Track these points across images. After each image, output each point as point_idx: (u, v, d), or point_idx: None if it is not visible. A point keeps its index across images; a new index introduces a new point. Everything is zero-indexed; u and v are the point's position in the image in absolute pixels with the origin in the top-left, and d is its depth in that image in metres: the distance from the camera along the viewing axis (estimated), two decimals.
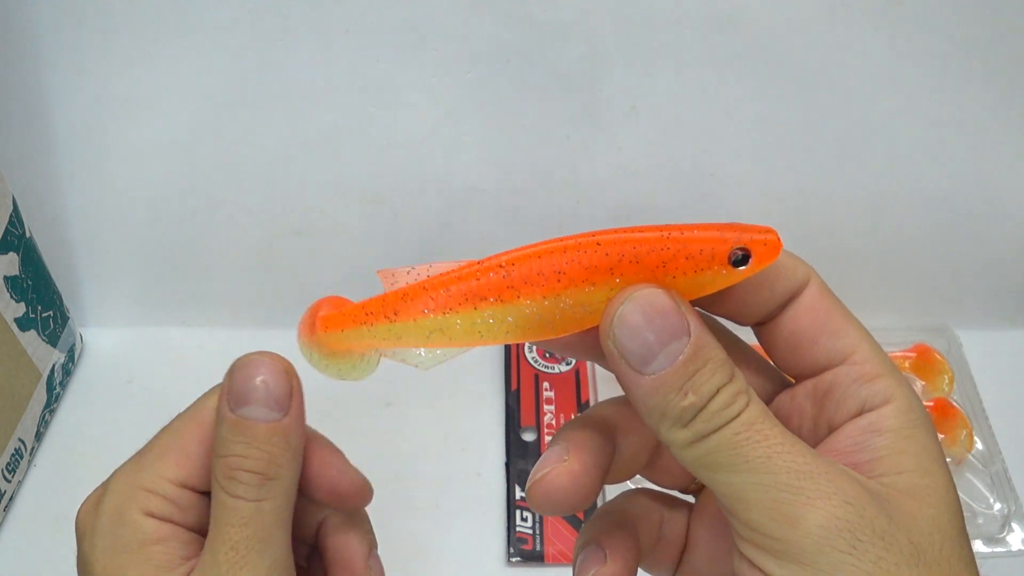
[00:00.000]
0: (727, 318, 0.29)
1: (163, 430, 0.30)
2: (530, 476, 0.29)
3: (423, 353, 0.28)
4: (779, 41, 0.48)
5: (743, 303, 0.28)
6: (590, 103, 0.50)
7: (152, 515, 0.29)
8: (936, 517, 0.24)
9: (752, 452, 0.24)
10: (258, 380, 0.28)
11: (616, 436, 0.29)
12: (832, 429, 0.27)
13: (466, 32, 0.48)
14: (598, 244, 0.26)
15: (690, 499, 0.32)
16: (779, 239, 0.26)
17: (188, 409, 0.30)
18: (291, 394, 0.28)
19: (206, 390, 0.35)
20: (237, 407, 0.28)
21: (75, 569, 0.31)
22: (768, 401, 0.29)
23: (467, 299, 0.26)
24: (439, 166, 0.53)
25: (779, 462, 0.24)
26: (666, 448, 0.28)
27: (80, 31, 0.48)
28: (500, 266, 0.26)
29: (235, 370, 0.28)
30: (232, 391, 0.28)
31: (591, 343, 0.27)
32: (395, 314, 0.27)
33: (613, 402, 0.30)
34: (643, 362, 0.25)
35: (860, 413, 0.26)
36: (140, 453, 0.30)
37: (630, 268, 0.25)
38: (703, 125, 0.51)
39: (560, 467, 0.28)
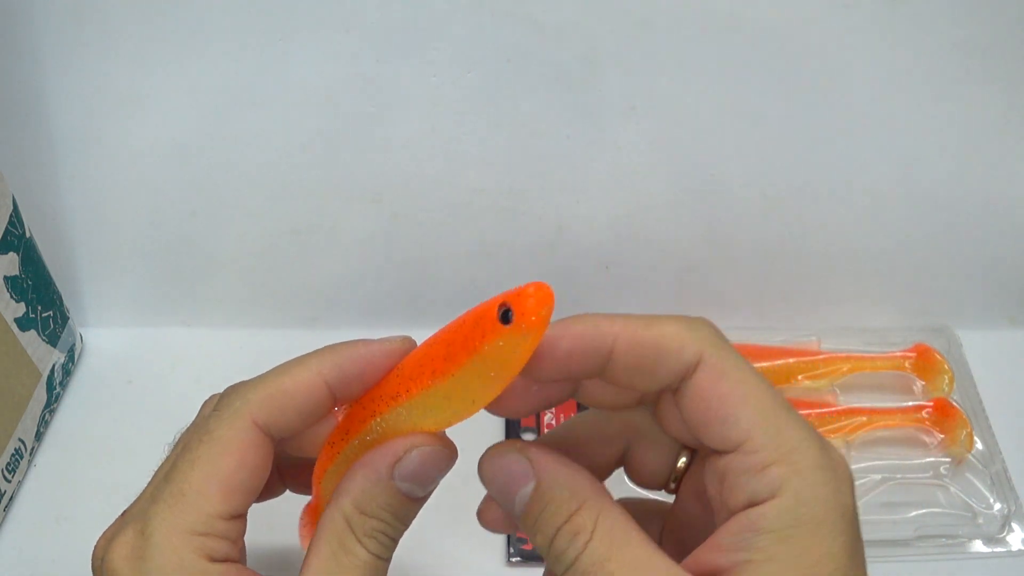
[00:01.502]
0: (607, 407, 0.30)
1: (187, 461, 0.29)
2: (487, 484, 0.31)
3: None
4: (779, 41, 0.48)
5: (619, 389, 0.28)
6: (590, 103, 0.50)
7: (213, 558, 0.28)
8: None
9: None
10: (433, 469, 0.30)
11: (579, 451, 0.30)
12: (729, 513, 0.26)
13: (466, 32, 0.48)
14: (399, 368, 0.29)
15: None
16: (546, 292, 0.25)
17: (211, 435, 0.29)
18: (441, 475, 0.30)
19: (206, 394, 0.35)
20: (402, 480, 0.29)
21: (75, 569, 0.31)
22: (687, 467, 0.30)
23: (390, 403, 0.29)
24: (439, 166, 0.53)
25: None
26: (638, 452, 0.31)
27: (80, 31, 0.48)
28: (396, 370, 0.30)
29: (419, 451, 0.29)
30: (405, 468, 0.29)
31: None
32: (347, 433, 0.31)
33: (578, 419, 0.32)
34: (508, 506, 0.28)
35: (748, 505, 0.26)
36: (172, 493, 0.29)
37: (426, 367, 0.28)
38: (703, 125, 0.51)
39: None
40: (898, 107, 0.51)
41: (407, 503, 0.30)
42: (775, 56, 0.49)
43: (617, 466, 0.32)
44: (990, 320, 0.60)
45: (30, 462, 0.52)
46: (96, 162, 0.53)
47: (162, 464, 0.32)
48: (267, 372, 0.30)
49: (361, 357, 0.30)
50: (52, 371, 0.53)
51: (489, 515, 0.32)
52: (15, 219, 0.49)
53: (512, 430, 0.54)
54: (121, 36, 0.48)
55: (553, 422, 0.54)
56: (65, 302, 0.55)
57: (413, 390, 0.29)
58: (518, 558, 0.49)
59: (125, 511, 0.31)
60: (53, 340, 0.53)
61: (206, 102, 0.50)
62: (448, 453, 0.30)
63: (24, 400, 0.50)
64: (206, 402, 0.35)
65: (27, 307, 0.50)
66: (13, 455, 0.49)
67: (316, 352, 0.30)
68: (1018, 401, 0.56)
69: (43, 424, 0.53)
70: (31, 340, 0.51)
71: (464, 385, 0.27)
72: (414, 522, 0.51)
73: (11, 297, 0.48)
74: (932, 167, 0.53)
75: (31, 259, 0.51)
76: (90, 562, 0.30)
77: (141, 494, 0.31)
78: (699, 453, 0.30)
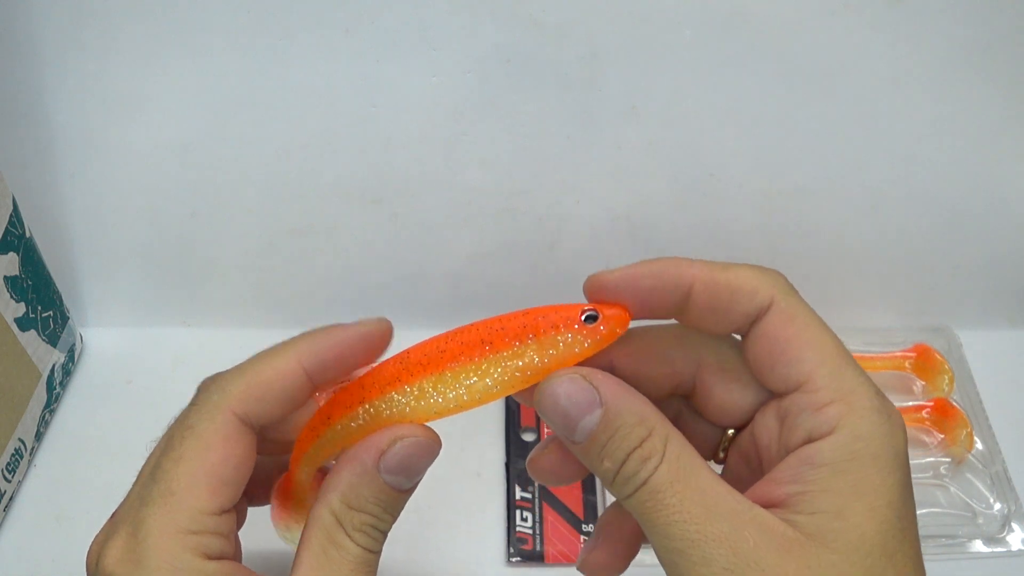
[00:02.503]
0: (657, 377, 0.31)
1: (172, 459, 0.29)
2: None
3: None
4: (779, 41, 0.48)
5: (699, 324, 0.29)
6: (590, 103, 0.50)
7: (208, 556, 0.28)
8: (835, 564, 0.25)
9: (655, 519, 0.26)
10: (418, 460, 0.30)
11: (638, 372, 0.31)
12: (787, 453, 0.28)
13: (466, 32, 0.48)
14: (472, 326, 0.30)
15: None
16: (628, 316, 0.29)
17: (193, 431, 0.29)
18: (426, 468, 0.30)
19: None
20: (388, 473, 0.29)
21: (75, 568, 0.31)
22: (752, 411, 0.30)
23: (384, 389, 0.30)
24: (439, 166, 0.53)
25: (673, 530, 0.26)
26: (708, 383, 0.31)
27: (80, 31, 0.48)
28: (399, 358, 0.30)
29: (403, 443, 0.29)
30: (390, 460, 0.29)
31: None
32: (329, 418, 0.31)
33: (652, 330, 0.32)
34: (570, 434, 0.28)
35: (806, 442, 0.27)
36: (161, 492, 0.29)
37: (498, 336, 0.29)
38: (703, 125, 0.51)
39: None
40: (898, 107, 0.51)
41: (394, 496, 0.30)
42: (775, 56, 0.49)
43: (668, 397, 0.32)
44: (990, 320, 0.60)
45: (30, 462, 0.52)
46: (96, 162, 0.53)
47: (147, 461, 0.32)
48: (245, 362, 0.31)
49: (339, 342, 0.30)
50: (52, 371, 0.53)
51: (543, 462, 0.32)
52: (15, 219, 0.49)
53: (512, 429, 0.54)
54: (121, 36, 0.48)
55: None
56: (65, 302, 0.55)
57: (419, 374, 0.29)
58: (518, 558, 0.49)
59: (114, 513, 0.31)
60: (53, 340, 0.53)
61: (206, 102, 0.50)
62: (432, 443, 0.30)
63: (24, 400, 0.50)
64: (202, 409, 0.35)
65: (27, 307, 0.50)
66: (13, 455, 0.49)
67: (293, 339, 0.31)
68: (1018, 401, 0.56)
69: (43, 424, 0.53)
70: (31, 340, 0.51)
71: (501, 367, 0.29)
72: (416, 522, 0.51)
73: (11, 297, 0.48)
74: (932, 167, 0.53)
75: (31, 259, 0.51)
76: (85, 566, 0.30)
77: (128, 495, 0.31)
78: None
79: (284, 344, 0.31)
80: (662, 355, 0.31)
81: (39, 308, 0.51)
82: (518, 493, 0.51)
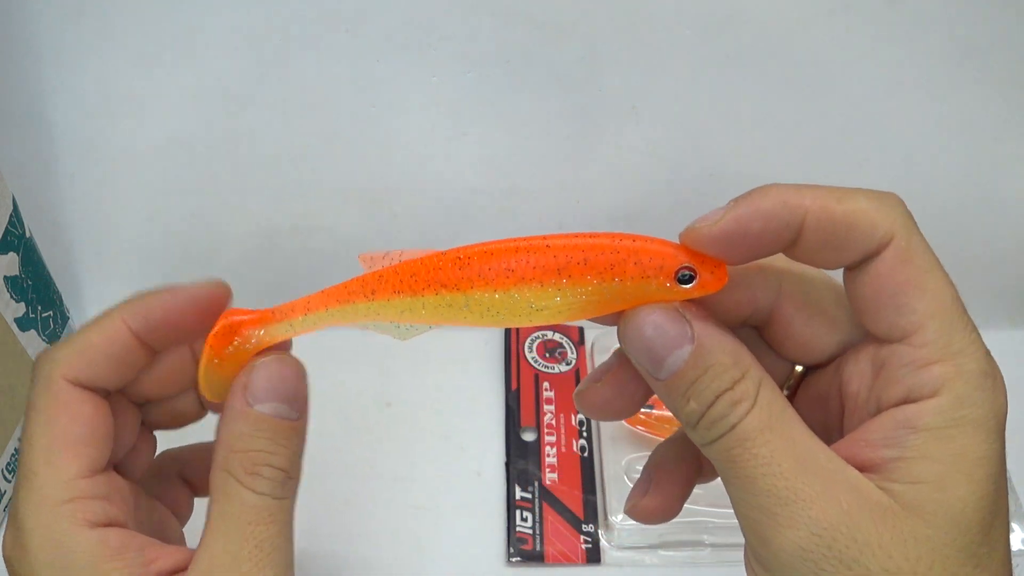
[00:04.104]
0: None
1: (27, 444, 0.28)
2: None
3: (399, 327, 0.30)
4: (779, 41, 0.48)
5: (808, 259, 0.27)
6: (590, 103, 0.50)
7: (95, 523, 0.27)
8: (932, 538, 0.23)
9: (740, 469, 0.24)
10: (282, 381, 0.28)
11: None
12: (879, 408, 0.25)
13: (466, 32, 0.48)
14: (548, 247, 0.27)
15: None
16: (727, 273, 0.26)
17: (34, 409, 0.29)
18: (306, 398, 0.29)
19: None
20: (258, 403, 0.27)
21: None
22: (835, 351, 0.28)
23: (430, 285, 0.28)
24: (439, 166, 0.53)
25: (761, 484, 0.24)
26: (788, 315, 0.28)
27: (80, 31, 0.48)
28: (458, 259, 0.28)
29: (258, 368, 0.28)
30: (254, 387, 0.28)
31: None
32: (372, 293, 0.29)
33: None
34: (653, 369, 0.26)
35: (904, 401, 0.25)
36: (24, 476, 0.28)
37: (577, 270, 0.27)
38: (703, 125, 0.51)
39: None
40: (898, 107, 0.51)
41: (281, 426, 0.28)
42: (775, 56, 0.49)
43: (740, 325, 0.29)
44: (990, 320, 0.59)
45: None
46: (96, 162, 0.53)
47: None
48: (76, 331, 0.30)
49: (164, 303, 0.29)
50: None
51: (594, 396, 0.30)
52: (15, 219, 0.49)
53: (512, 429, 0.54)
54: (121, 36, 0.48)
55: (553, 422, 0.54)
56: (65, 302, 0.55)
57: (479, 285, 0.28)
58: (518, 558, 0.49)
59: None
60: (53, 340, 0.53)
61: (206, 102, 0.50)
62: (292, 361, 0.28)
63: (24, 400, 0.50)
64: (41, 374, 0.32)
65: (27, 307, 0.50)
66: (13, 455, 0.49)
67: (121, 303, 0.30)
68: (1019, 401, 0.56)
69: None
70: (31, 340, 0.51)
71: (577, 299, 0.27)
72: (416, 522, 0.51)
73: (11, 297, 0.48)
74: (932, 167, 0.53)
75: (31, 259, 0.51)
76: None
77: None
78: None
79: (112, 308, 0.30)
80: (741, 280, 0.28)
81: (39, 308, 0.51)
82: (518, 493, 0.51)
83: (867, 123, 0.52)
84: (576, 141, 0.52)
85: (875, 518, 0.23)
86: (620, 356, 0.29)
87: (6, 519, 0.30)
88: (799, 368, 0.29)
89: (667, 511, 0.31)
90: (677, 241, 0.27)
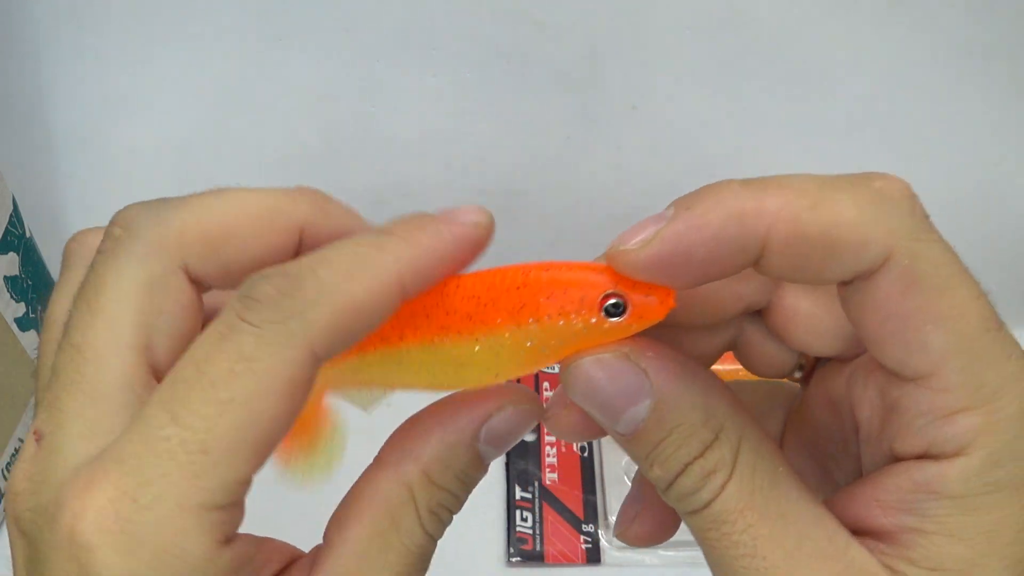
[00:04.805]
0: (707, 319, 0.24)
1: (213, 401, 0.19)
2: None
3: (359, 394, 0.25)
4: (779, 41, 0.48)
5: (780, 278, 0.22)
6: (590, 103, 0.50)
7: (227, 539, 0.20)
8: None
9: (716, 552, 0.20)
10: (512, 435, 0.23)
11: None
12: (891, 458, 0.21)
13: (466, 32, 0.48)
14: (457, 287, 0.22)
15: None
16: (671, 300, 0.21)
17: (251, 369, 0.19)
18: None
19: None
20: (487, 444, 0.23)
21: None
22: (851, 346, 0.23)
23: (370, 339, 0.22)
24: (439, 166, 0.53)
25: (742, 575, 0.20)
26: (791, 304, 0.23)
27: (80, 31, 0.48)
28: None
29: (516, 411, 0.23)
30: (495, 428, 0.22)
31: None
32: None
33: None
34: (611, 423, 0.21)
35: (924, 456, 0.20)
36: (188, 447, 0.19)
37: (487, 312, 0.22)
38: (703, 125, 0.51)
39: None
40: (898, 107, 0.51)
41: (480, 472, 0.23)
42: (775, 56, 0.49)
43: (726, 350, 0.25)
44: None
45: None
46: (96, 162, 0.53)
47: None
48: (324, 267, 0.20)
49: (444, 250, 0.21)
50: None
51: (565, 421, 0.24)
52: (15, 219, 0.49)
53: None
54: (121, 36, 0.48)
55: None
56: None
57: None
58: (518, 558, 0.49)
59: (48, 427, 0.21)
60: None
61: (206, 102, 0.50)
62: (541, 412, 0.23)
63: (24, 400, 0.50)
64: (118, 225, 0.23)
65: (27, 307, 0.50)
66: (13, 455, 0.49)
67: (388, 239, 0.21)
68: None
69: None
70: (31, 340, 0.51)
71: (495, 349, 0.22)
72: None
73: (11, 297, 0.48)
74: (932, 167, 0.53)
75: (31, 259, 0.51)
76: (8, 507, 0.21)
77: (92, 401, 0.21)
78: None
79: (377, 246, 0.21)
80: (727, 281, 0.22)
81: (39, 308, 0.51)
82: (518, 493, 0.51)
83: (867, 123, 0.51)
84: (576, 141, 0.52)
85: None
86: None
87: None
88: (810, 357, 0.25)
89: (660, 534, 0.26)
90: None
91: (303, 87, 0.50)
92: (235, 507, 0.20)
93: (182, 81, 0.49)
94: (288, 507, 0.30)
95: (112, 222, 0.22)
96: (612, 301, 0.21)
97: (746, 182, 0.21)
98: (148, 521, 0.18)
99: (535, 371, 0.24)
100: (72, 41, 0.48)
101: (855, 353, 0.23)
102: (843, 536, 0.20)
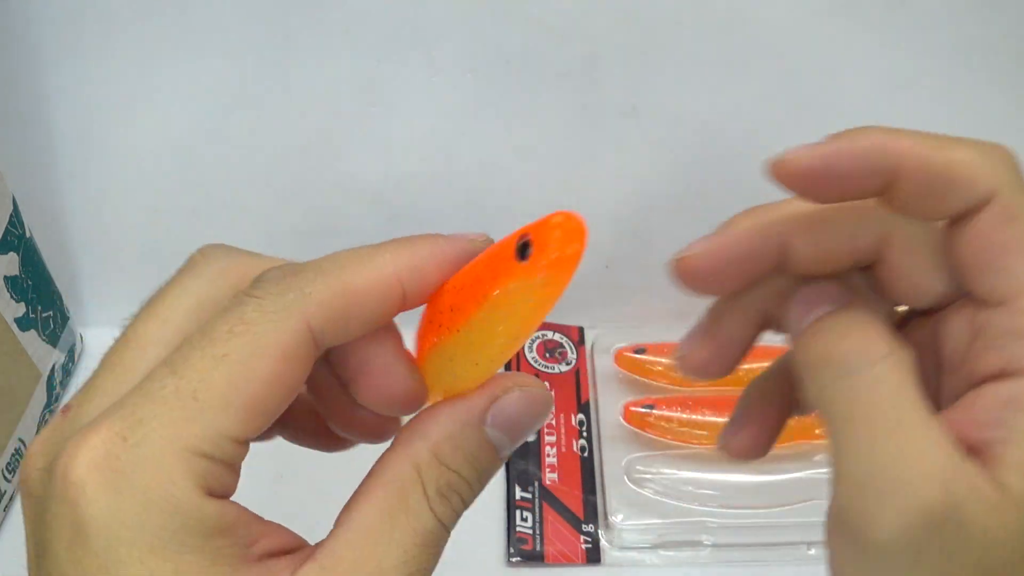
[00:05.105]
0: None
1: (210, 356, 0.21)
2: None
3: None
4: (779, 41, 0.48)
5: (903, 210, 0.25)
6: (590, 103, 0.50)
7: (212, 492, 0.20)
8: None
9: (855, 430, 0.22)
10: (528, 417, 0.24)
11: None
12: (974, 377, 0.23)
13: (466, 32, 0.48)
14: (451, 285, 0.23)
15: None
16: (577, 224, 0.21)
17: (250, 329, 0.21)
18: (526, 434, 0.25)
19: None
20: (495, 427, 0.23)
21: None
22: (945, 298, 0.25)
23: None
24: (439, 166, 0.53)
25: (879, 448, 0.22)
26: (894, 260, 0.26)
27: (80, 31, 0.48)
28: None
29: (518, 391, 0.24)
30: (504, 409, 0.23)
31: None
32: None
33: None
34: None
35: (1002, 374, 0.22)
36: (180, 392, 0.20)
37: (465, 299, 0.22)
38: (703, 125, 0.51)
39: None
40: (898, 107, 0.51)
41: (493, 461, 0.24)
42: (775, 56, 0.49)
43: (847, 271, 0.27)
44: None
45: None
46: (96, 162, 0.53)
47: (134, 338, 0.24)
48: (325, 260, 0.23)
49: (439, 254, 0.24)
50: (52, 371, 0.53)
51: (697, 356, 0.27)
52: (15, 219, 0.49)
53: None
54: (121, 37, 0.48)
55: (553, 422, 0.54)
56: (65, 302, 0.55)
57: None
58: (518, 558, 0.49)
59: (77, 401, 0.23)
60: (53, 340, 0.53)
61: (206, 102, 0.50)
62: (550, 402, 0.24)
63: (24, 400, 0.50)
64: (202, 253, 0.27)
65: (27, 307, 0.50)
66: (13, 455, 0.49)
67: (387, 244, 0.24)
68: None
69: (43, 424, 0.53)
70: (31, 340, 0.51)
71: (467, 342, 0.22)
72: None
73: (11, 297, 0.48)
74: None
75: (31, 259, 0.51)
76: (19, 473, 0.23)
77: (106, 373, 0.23)
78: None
79: (376, 248, 0.24)
80: (843, 233, 0.26)
81: (39, 308, 0.51)
82: (518, 493, 0.51)
83: (867, 123, 0.51)
84: (576, 141, 0.52)
85: (985, 511, 0.21)
86: (717, 315, 0.28)
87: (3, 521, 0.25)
88: (901, 309, 0.27)
89: (760, 448, 0.29)
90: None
91: (303, 87, 0.50)
92: (224, 465, 0.21)
93: (182, 81, 0.49)
94: (297, 504, 0.30)
95: (261, 280, 0.23)
96: (522, 242, 0.21)
97: (887, 128, 0.25)
98: (135, 459, 0.19)
99: (510, 348, 0.23)
100: (72, 41, 0.48)
101: (947, 303, 0.26)
102: (953, 441, 0.22)
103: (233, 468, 0.21)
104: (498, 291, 0.21)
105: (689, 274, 0.26)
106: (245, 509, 0.22)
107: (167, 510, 0.20)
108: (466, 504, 0.24)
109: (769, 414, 0.29)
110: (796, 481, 0.51)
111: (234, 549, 0.21)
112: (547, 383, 0.56)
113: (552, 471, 0.52)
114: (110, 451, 0.20)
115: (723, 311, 0.28)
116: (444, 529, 0.23)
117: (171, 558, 0.19)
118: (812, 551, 0.48)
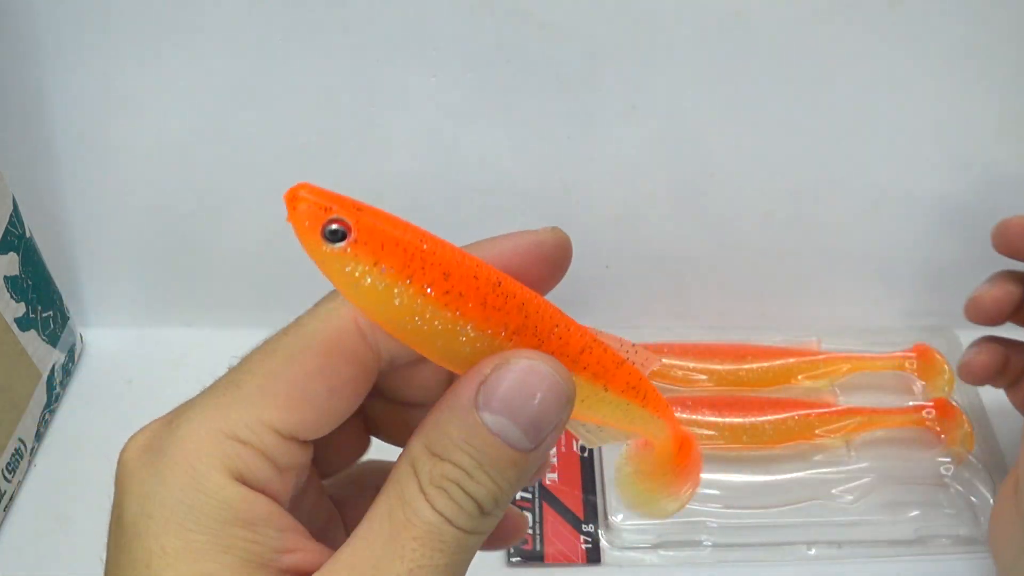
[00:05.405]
0: None
1: (263, 351, 0.22)
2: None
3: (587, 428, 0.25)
4: (779, 41, 0.48)
5: None
6: (590, 103, 0.50)
7: (243, 479, 0.20)
8: None
9: None
10: (527, 398, 0.21)
11: None
12: None
13: (466, 32, 0.48)
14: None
15: None
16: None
17: (298, 326, 0.22)
18: (556, 427, 0.22)
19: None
20: (487, 411, 0.21)
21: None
22: None
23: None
24: (439, 166, 0.53)
25: None
26: None
27: (80, 31, 0.48)
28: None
29: (507, 367, 0.21)
30: (492, 390, 0.21)
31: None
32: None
33: None
34: None
35: None
36: (225, 384, 0.21)
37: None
38: (703, 125, 0.51)
39: None
40: (898, 107, 0.51)
41: (498, 452, 0.21)
42: (775, 56, 0.49)
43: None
44: None
45: (30, 462, 0.52)
46: (96, 162, 0.53)
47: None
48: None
49: (518, 253, 0.23)
50: (52, 371, 0.53)
51: (978, 360, 0.43)
52: (15, 219, 0.49)
53: None
54: (121, 36, 0.48)
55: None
56: (65, 302, 0.55)
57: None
58: (518, 558, 0.49)
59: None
60: (53, 340, 0.53)
61: (206, 102, 0.50)
62: (557, 381, 0.21)
63: (24, 400, 0.50)
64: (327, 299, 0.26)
65: (27, 307, 0.50)
66: (13, 455, 0.49)
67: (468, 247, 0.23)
68: None
69: (43, 424, 0.53)
70: (31, 340, 0.51)
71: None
72: None
73: (11, 297, 0.48)
74: (931, 167, 0.53)
75: (31, 259, 0.51)
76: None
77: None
78: None
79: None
80: None
81: (39, 308, 0.51)
82: (518, 493, 0.51)
83: (867, 123, 0.52)
84: (576, 141, 0.52)
85: None
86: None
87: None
88: None
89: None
90: None
91: (303, 87, 0.50)
92: (259, 454, 0.21)
93: (183, 80, 0.49)
94: None
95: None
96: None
97: None
98: (172, 440, 0.20)
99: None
100: (72, 41, 0.48)
101: None
102: None
103: (271, 460, 0.21)
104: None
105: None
106: (287, 515, 0.21)
107: (189, 485, 0.20)
108: (473, 496, 0.21)
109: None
110: (796, 481, 0.51)
111: (254, 547, 0.20)
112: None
113: (552, 471, 0.52)
114: (156, 433, 0.21)
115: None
116: (448, 523, 0.21)
117: (182, 535, 0.20)
118: (812, 551, 0.48)
